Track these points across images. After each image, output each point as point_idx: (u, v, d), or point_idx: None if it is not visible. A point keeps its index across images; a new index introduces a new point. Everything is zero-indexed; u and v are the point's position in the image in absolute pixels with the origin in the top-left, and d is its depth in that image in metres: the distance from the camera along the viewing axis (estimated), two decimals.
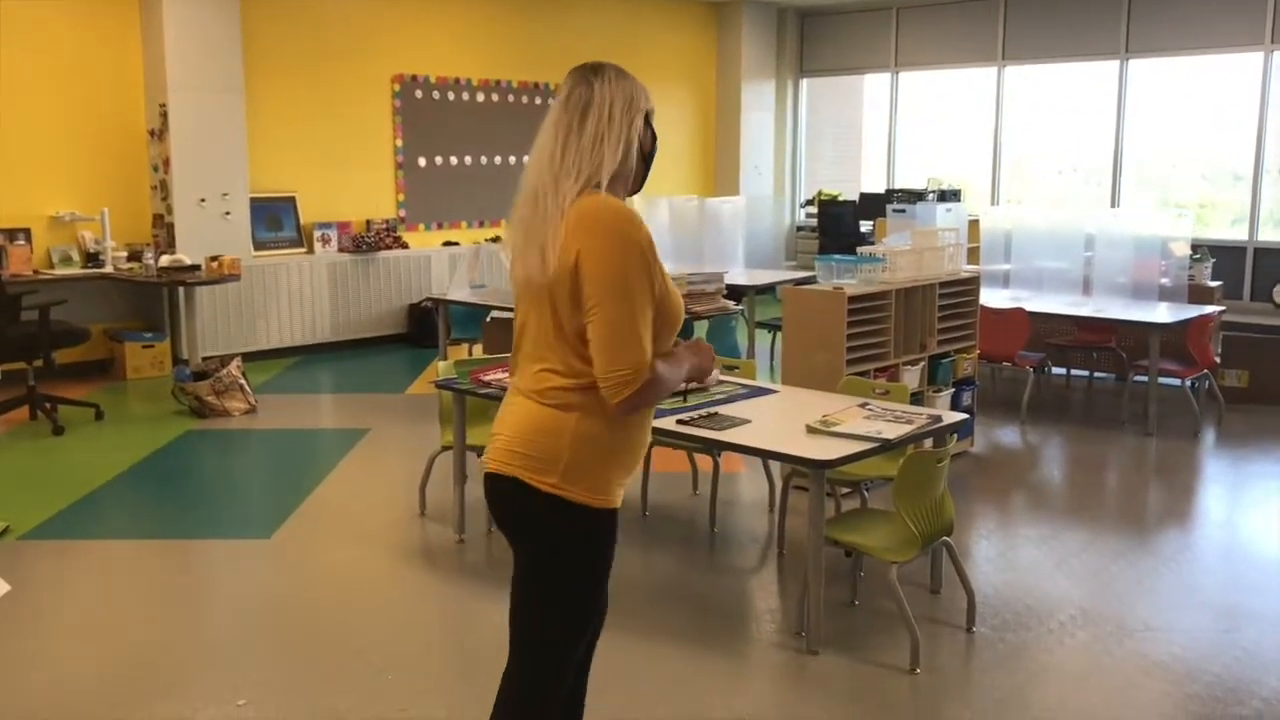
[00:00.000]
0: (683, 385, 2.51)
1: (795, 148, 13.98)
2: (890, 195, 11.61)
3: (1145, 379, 6.85)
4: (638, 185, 2.39)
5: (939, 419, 4.06)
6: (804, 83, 13.88)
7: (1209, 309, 7.12)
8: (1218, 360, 7.29)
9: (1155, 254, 7.62)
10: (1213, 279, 8.34)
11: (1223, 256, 9.58)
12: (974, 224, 9.03)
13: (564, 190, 2.23)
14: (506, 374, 4.52)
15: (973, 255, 8.42)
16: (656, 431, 4.06)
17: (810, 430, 3.89)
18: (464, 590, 4.42)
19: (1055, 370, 8.19)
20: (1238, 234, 10.86)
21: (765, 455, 3.92)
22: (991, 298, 7.44)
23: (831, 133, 14.26)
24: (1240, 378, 7.47)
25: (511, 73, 10.97)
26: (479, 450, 4.94)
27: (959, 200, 10.83)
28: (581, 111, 2.31)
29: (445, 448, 4.96)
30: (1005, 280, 7.92)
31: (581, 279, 2.19)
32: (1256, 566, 4.64)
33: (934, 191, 10.90)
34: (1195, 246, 7.99)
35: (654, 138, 2.42)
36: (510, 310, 7.44)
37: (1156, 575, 4.53)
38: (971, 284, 6.22)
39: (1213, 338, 7.16)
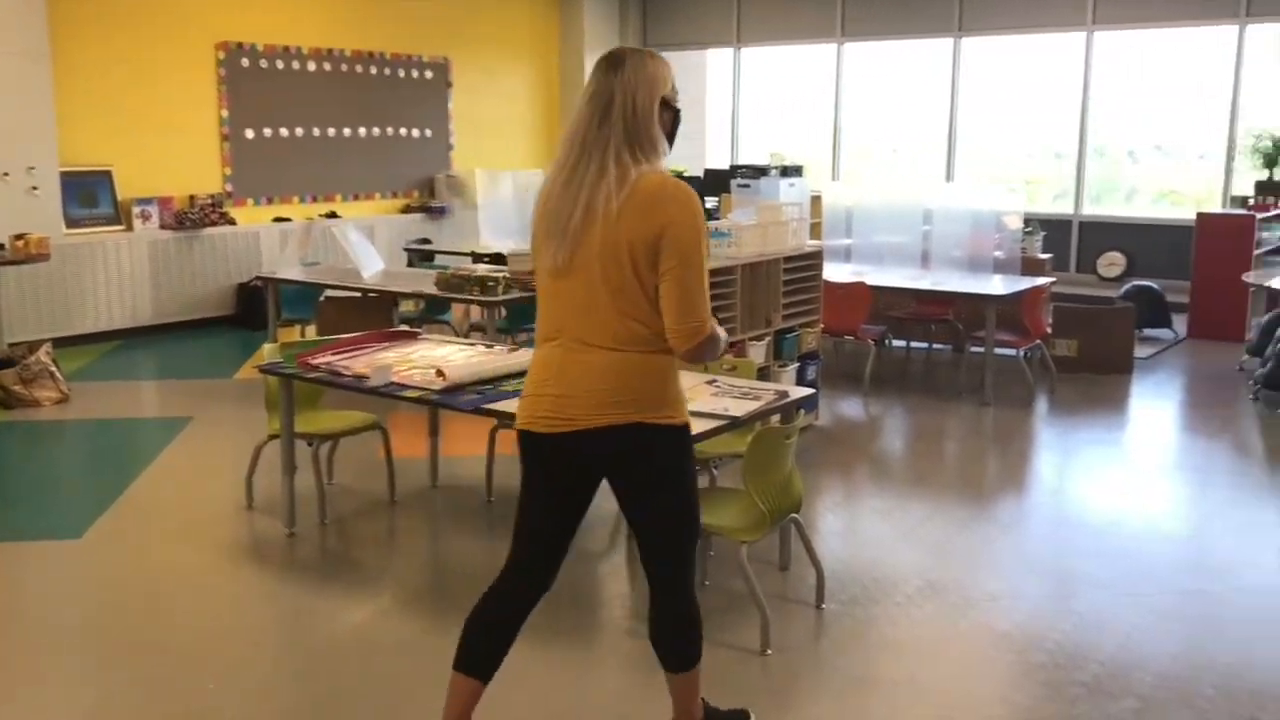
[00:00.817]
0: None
1: None
2: (735, 171, 11.63)
3: (981, 350, 7.01)
4: (670, 150, 2.69)
5: (786, 395, 4.00)
6: None
7: (1041, 280, 7.32)
8: (1049, 330, 7.51)
9: (990, 228, 7.81)
10: (1043, 252, 8.60)
11: (1050, 230, 9.92)
12: (816, 200, 9.11)
13: (611, 175, 2.54)
14: (342, 355, 4.30)
15: (815, 231, 8.48)
16: (497, 415, 3.91)
17: None
18: (296, 588, 4.16)
19: (896, 342, 8.33)
20: (1063, 208, 11.28)
21: None
22: (834, 272, 7.48)
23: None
24: (1070, 347, 7.72)
25: (345, 41, 10.53)
26: (309, 438, 4.69)
27: (801, 176, 10.93)
28: (606, 105, 2.58)
29: (272, 436, 4.67)
30: (847, 255, 7.99)
31: (662, 245, 2.52)
32: (1088, 532, 4.75)
33: (777, 167, 10.96)
34: (1026, 220, 8.22)
35: (675, 116, 2.69)
36: (347, 289, 7.20)
37: (997, 544, 4.60)
38: (815, 259, 6.22)
39: (1044, 309, 7.37)
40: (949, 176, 11.77)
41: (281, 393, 4.48)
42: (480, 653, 2.80)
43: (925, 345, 8.37)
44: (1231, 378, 7.67)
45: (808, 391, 4.20)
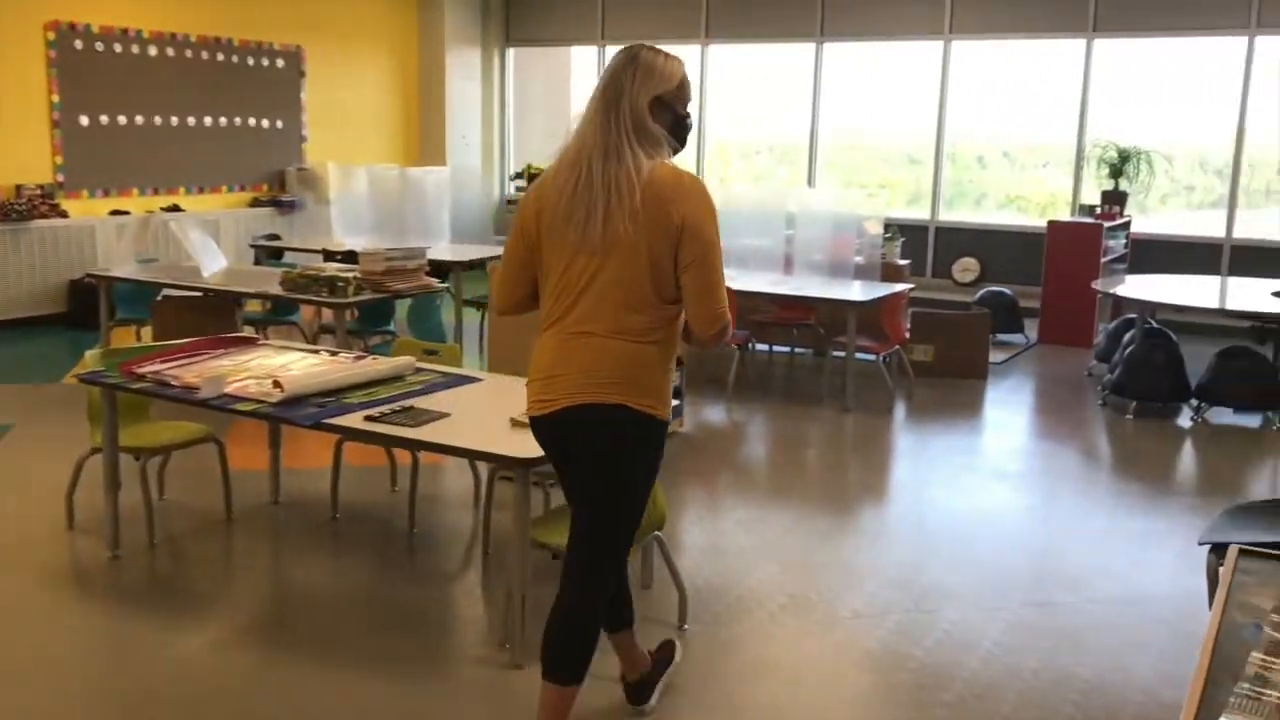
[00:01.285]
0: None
1: (504, 119, 13.62)
2: None
3: (843, 355, 7.01)
4: (679, 151, 2.77)
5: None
6: (511, 52, 13.52)
7: (900, 286, 7.37)
8: (908, 336, 7.57)
9: (851, 232, 7.84)
10: (901, 257, 8.70)
11: (908, 235, 10.07)
12: None
13: (628, 164, 2.61)
14: (172, 363, 3.95)
15: None
16: (339, 430, 3.66)
17: (515, 424, 3.59)
18: (120, 616, 3.82)
19: (759, 346, 8.30)
20: (916, 213, 11.48)
21: (463, 454, 3.57)
22: None
23: (541, 105, 14.00)
24: (927, 352, 7.80)
25: (190, 26, 9.99)
26: (135, 452, 4.34)
27: None
28: (616, 98, 2.66)
29: (95, 450, 4.30)
30: None
31: (684, 238, 2.60)
32: (948, 543, 4.75)
33: None
34: (886, 226, 8.29)
35: (676, 115, 2.73)
36: (186, 289, 6.76)
37: (859, 556, 4.55)
38: None
39: (904, 314, 7.42)
40: (810, 181, 11.86)
41: (104, 404, 4.12)
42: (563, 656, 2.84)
43: (788, 349, 8.36)
44: (1080, 383, 7.87)
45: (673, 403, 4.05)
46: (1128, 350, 7.12)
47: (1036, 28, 10.51)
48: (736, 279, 7.40)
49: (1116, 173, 9.71)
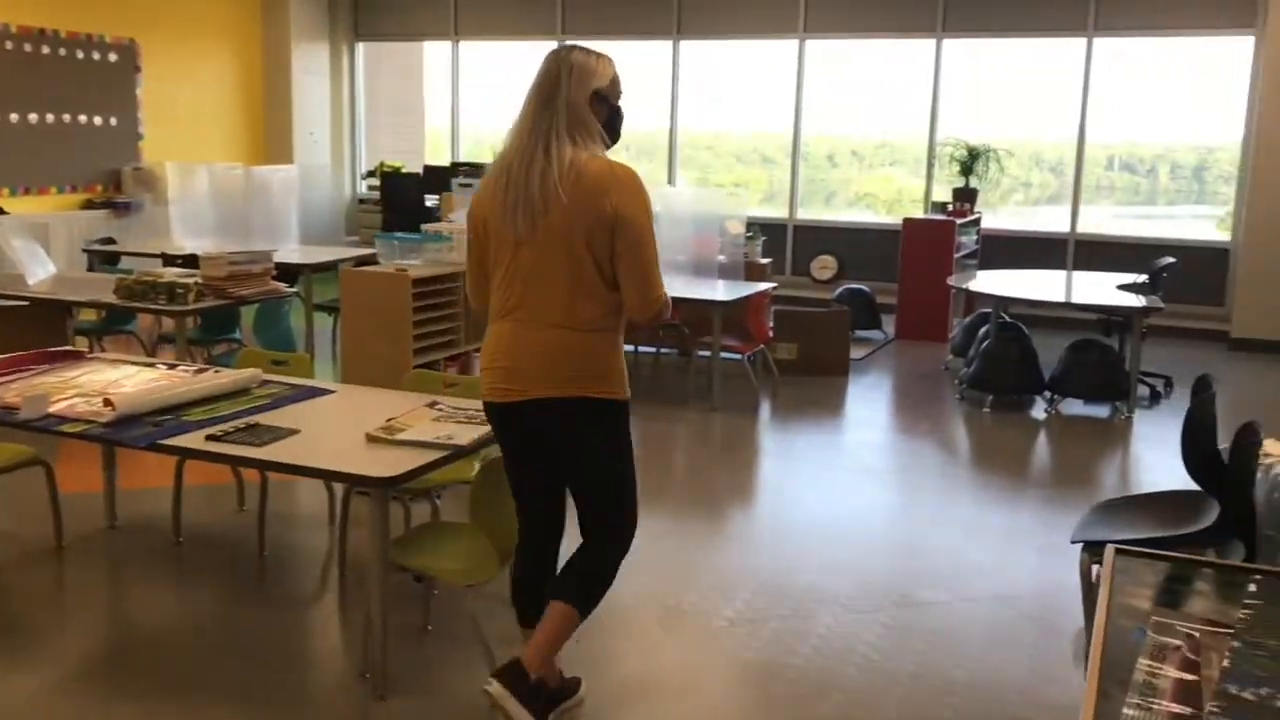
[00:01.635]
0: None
1: (354, 115, 13.19)
2: (455, 168, 11.23)
3: (708, 354, 6.96)
4: (614, 143, 2.91)
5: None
6: (360, 47, 13.10)
7: (762, 285, 7.36)
8: (771, 335, 7.57)
9: (714, 232, 7.79)
10: (763, 256, 8.71)
11: (767, 233, 10.11)
12: None
13: (561, 159, 2.73)
14: (19, 374, 3.58)
15: None
16: (176, 451, 3.38)
17: (371, 439, 3.38)
18: None
19: (625, 347, 8.18)
20: (776, 212, 11.57)
21: (315, 474, 3.34)
22: None
23: (393, 101, 13.62)
24: (790, 350, 7.82)
25: (10, 15, 9.33)
26: None
27: None
28: (550, 94, 2.80)
29: None
30: None
31: (617, 227, 2.72)
32: (819, 544, 4.71)
33: None
34: (747, 225, 8.27)
35: (611, 108, 2.88)
36: (10, 299, 6.27)
37: (733, 562, 4.47)
38: None
39: (767, 313, 7.42)
40: (670, 179, 11.83)
41: None
42: (533, 607, 3.06)
43: (653, 349, 8.27)
44: (938, 377, 8.01)
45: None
46: (983, 345, 7.27)
47: (888, 27, 10.69)
48: None
49: (967, 170, 9.94)
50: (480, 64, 12.68)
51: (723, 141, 12.44)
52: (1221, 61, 9.77)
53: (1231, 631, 2.22)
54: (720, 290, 7.16)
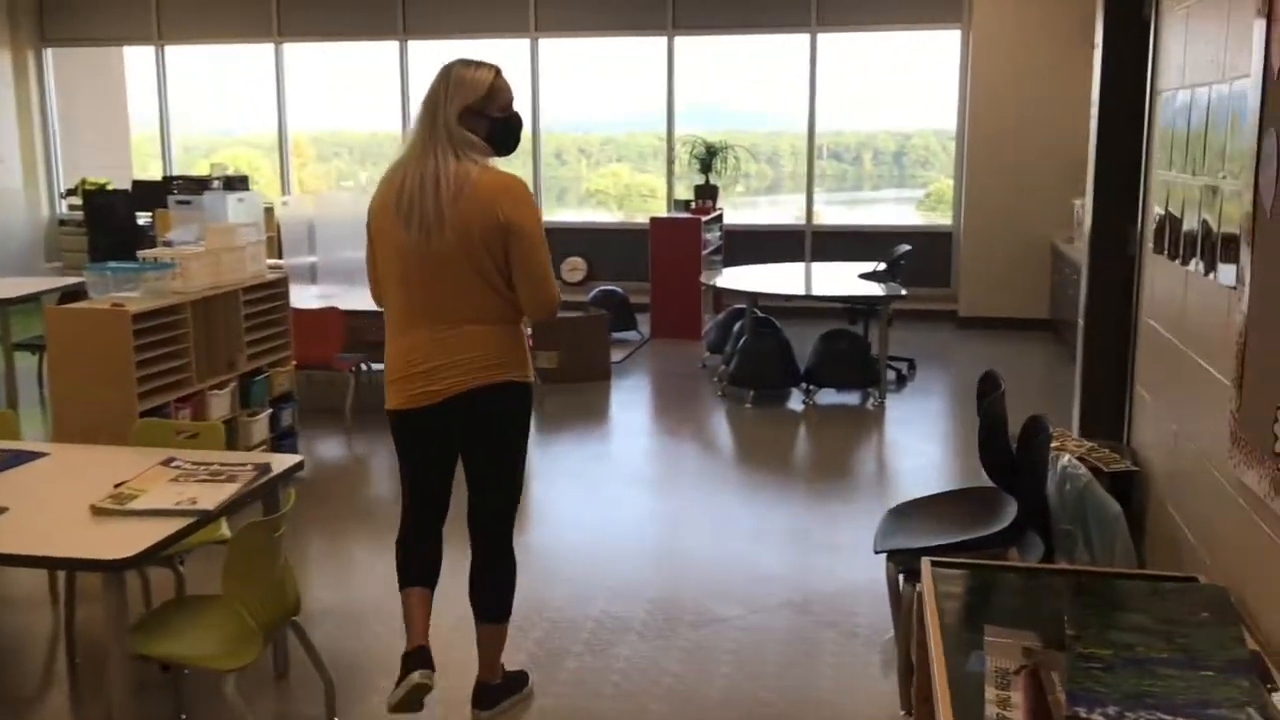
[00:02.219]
0: None
1: (47, 129, 11.94)
2: (170, 184, 10.34)
3: None
4: (509, 153, 3.06)
5: (268, 469, 3.27)
6: (49, 53, 11.88)
7: None
8: (532, 344, 7.31)
9: None
10: None
11: None
12: (267, 212, 8.23)
13: (445, 172, 2.88)
14: None
15: (271, 247, 7.66)
16: None
17: (98, 511, 2.89)
18: None
19: (376, 366, 7.71)
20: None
21: (31, 563, 2.83)
22: (300, 296, 6.74)
23: (93, 112, 12.44)
24: (551, 359, 7.60)
25: None
26: None
27: (248, 188, 9.94)
28: (433, 110, 2.95)
29: None
30: (312, 275, 7.26)
31: (509, 235, 2.90)
32: (607, 566, 4.52)
33: (219, 179, 9.88)
34: None
35: (491, 120, 2.98)
36: None
37: (519, 597, 4.20)
38: (280, 286, 5.45)
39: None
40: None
41: None
42: (415, 565, 3.27)
43: None
44: (697, 375, 8.00)
45: (295, 459, 3.48)
46: (740, 342, 7.29)
47: (619, 25, 10.64)
48: (343, 296, 6.83)
49: (706, 167, 10.02)
50: (189, 68, 11.76)
51: None
52: (917, 53, 10.30)
53: (1063, 645, 2.16)
54: None
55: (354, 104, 11.76)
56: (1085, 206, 4.60)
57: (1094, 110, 4.51)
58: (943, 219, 10.75)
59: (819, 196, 10.88)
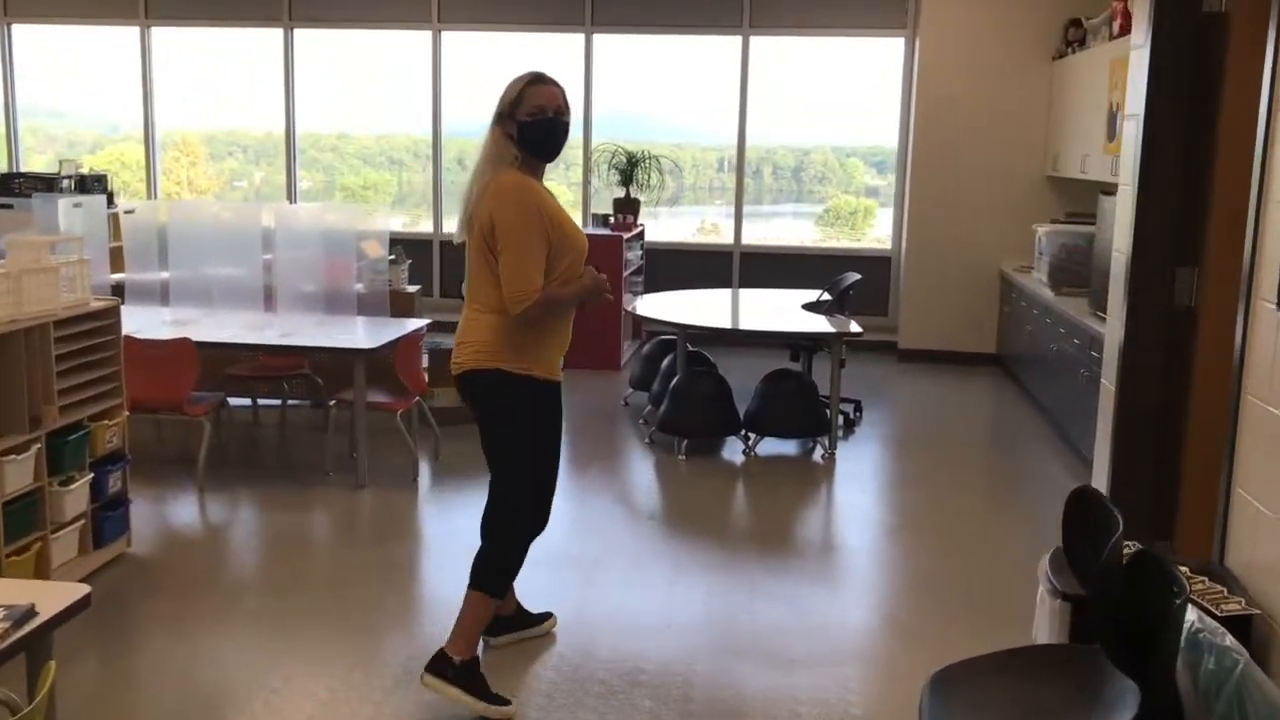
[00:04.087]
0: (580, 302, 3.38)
1: None
2: (12, 181, 8.98)
3: (351, 410, 5.56)
4: (547, 156, 3.38)
5: (31, 613, 2.19)
6: None
7: (414, 324, 6.02)
8: (428, 380, 6.26)
9: (349, 255, 6.38)
10: (410, 283, 7.35)
11: (411, 252, 8.77)
12: (119, 218, 7.01)
13: (486, 173, 3.28)
14: None
15: (118, 260, 6.47)
16: None
17: None
18: None
19: (239, 401, 6.57)
20: (413, 219, 10.25)
21: None
22: (146, 322, 5.60)
23: None
24: (450, 396, 6.53)
25: None
26: None
27: (106, 190, 8.68)
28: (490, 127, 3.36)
29: None
30: (164, 295, 6.09)
31: (494, 232, 3.21)
32: (531, 667, 3.52)
33: (70, 177, 8.59)
34: (391, 244, 6.90)
35: (520, 126, 3.28)
36: None
37: (390, 701, 3.17)
38: (108, 316, 4.32)
39: (421, 356, 6.10)
40: (290, 184, 10.19)
41: None
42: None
43: (278, 402, 6.68)
44: (619, 416, 7.03)
45: (75, 593, 2.39)
46: (672, 381, 6.33)
47: (533, 20, 9.64)
48: (200, 323, 5.72)
49: (627, 179, 9.07)
50: (39, 50, 10.40)
51: (348, 143, 10.95)
52: (852, 63, 9.52)
53: None
54: (361, 333, 5.77)
55: (244, 99, 10.52)
56: (1121, 245, 3.75)
57: (1134, 125, 3.68)
58: (848, 239, 10.08)
59: (719, 210, 10.07)
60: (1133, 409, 3.62)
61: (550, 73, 3.36)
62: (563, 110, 3.32)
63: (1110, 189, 6.40)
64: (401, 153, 10.78)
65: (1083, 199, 8.09)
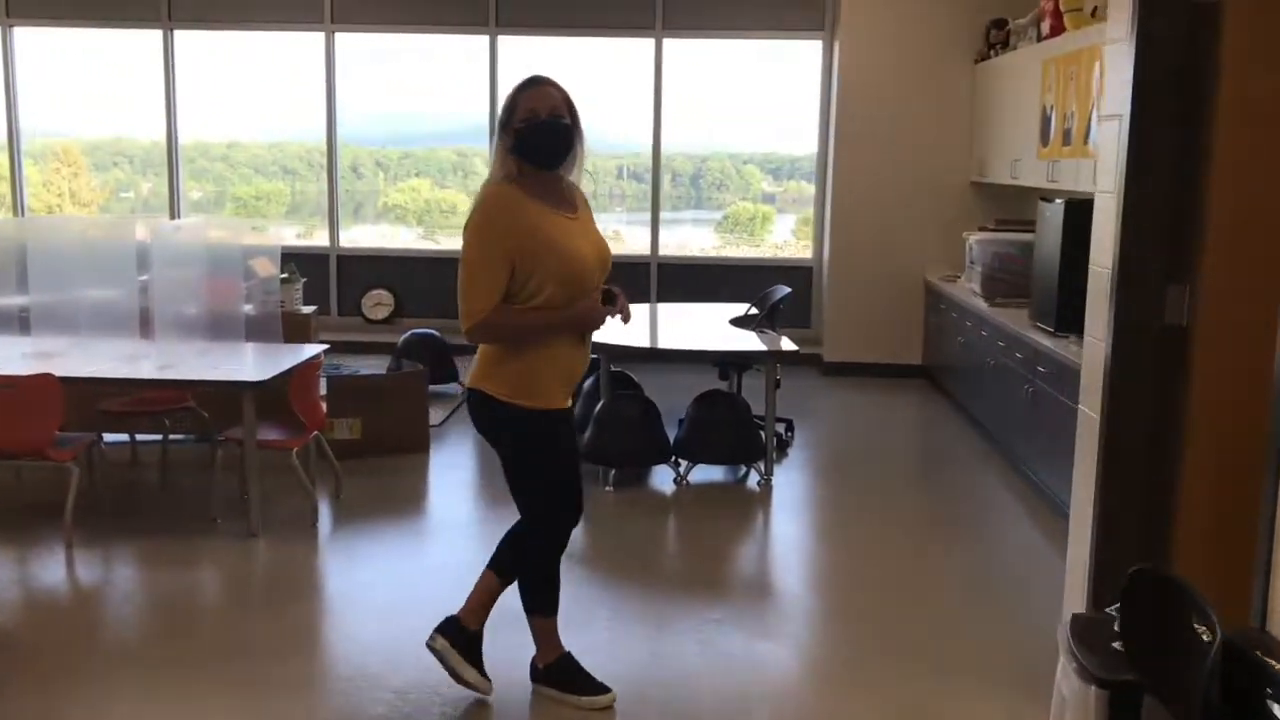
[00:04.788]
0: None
1: None
2: None
3: (241, 449, 4.98)
4: (545, 162, 3.12)
5: None
6: None
7: (311, 350, 5.46)
8: (326, 412, 5.70)
9: (236, 274, 5.78)
10: (305, 303, 6.77)
11: (306, 268, 8.16)
12: None
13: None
14: None
15: None
16: None
17: None
18: None
19: (117, 437, 5.90)
20: (315, 240, 9.61)
21: None
22: (2, 355, 4.95)
23: None
24: (353, 427, 6.00)
25: None
26: None
27: None
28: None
29: None
30: (23, 323, 5.43)
31: None
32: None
33: None
34: (284, 261, 6.31)
35: (515, 134, 3.08)
36: None
37: None
38: None
39: (319, 386, 5.53)
40: (172, 197, 9.48)
41: None
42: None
43: (158, 438, 6.00)
44: None
45: None
46: (597, 407, 5.87)
47: (434, 20, 9.10)
48: (67, 355, 5.08)
49: None
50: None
51: (239, 151, 10.28)
52: (761, 67, 9.20)
53: None
54: (251, 363, 5.19)
55: (125, 105, 9.75)
56: (1100, 260, 3.41)
57: (1115, 127, 3.34)
58: (748, 245, 9.82)
59: (617, 217, 9.69)
60: (1119, 440, 3.28)
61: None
62: (559, 112, 3.09)
63: (1049, 195, 6.15)
64: (295, 161, 10.15)
65: (1013, 205, 7.87)
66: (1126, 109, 3.18)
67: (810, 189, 9.32)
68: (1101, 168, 3.44)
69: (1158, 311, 3.23)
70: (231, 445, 5.10)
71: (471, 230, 3.04)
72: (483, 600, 3.40)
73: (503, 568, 3.43)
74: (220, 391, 5.04)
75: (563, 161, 3.16)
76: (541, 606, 3.41)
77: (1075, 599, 3.54)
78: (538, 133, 3.07)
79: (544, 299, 3.08)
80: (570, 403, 3.31)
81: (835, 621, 4.26)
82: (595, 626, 4.03)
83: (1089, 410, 3.48)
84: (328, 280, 9.34)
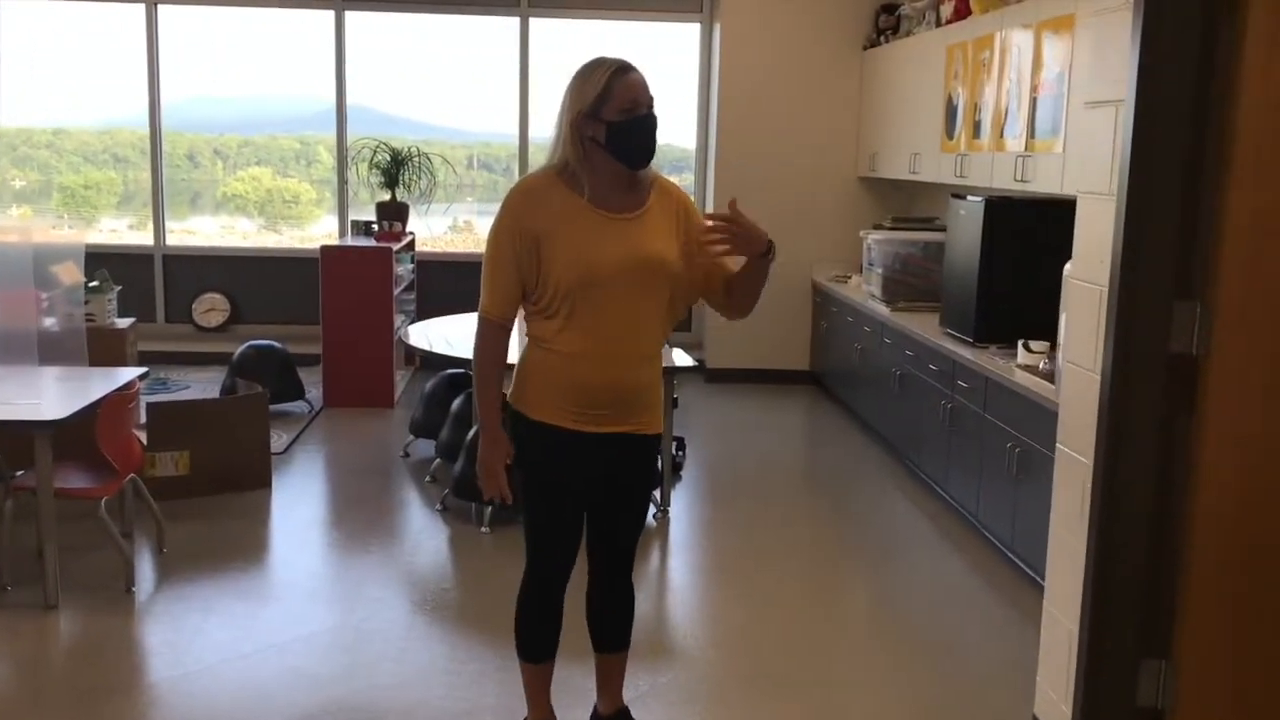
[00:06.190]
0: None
1: None
2: None
3: (36, 497, 4.07)
4: (640, 161, 2.75)
5: None
6: None
7: (126, 374, 4.55)
8: (145, 444, 4.81)
9: (29, 285, 4.84)
10: (121, 315, 5.80)
11: (124, 271, 7.14)
12: None
13: None
14: None
15: None
16: None
17: None
18: None
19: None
20: (137, 238, 8.55)
21: None
22: None
23: None
24: (179, 462, 5.11)
25: None
26: None
27: None
28: (560, 119, 2.76)
29: None
30: None
31: None
32: None
33: None
34: (91, 268, 5.35)
35: (608, 127, 2.66)
36: None
37: None
38: None
39: (134, 419, 4.62)
40: None
41: None
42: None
43: None
44: (397, 472, 5.76)
45: None
46: (470, 433, 5.13)
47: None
48: None
49: (392, 180, 7.76)
50: None
51: (66, 139, 9.15)
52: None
53: None
54: (49, 393, 4.27)
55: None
56: (1088, 274, 2.87)
57: (1107, 114, 2.80)
58: None
59: (469, 206, 8.98)
60: (1117, 492, 2.74)
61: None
62: (653, 104, 2.73)
63: (960, 192, 5.68)
64: (128, 150, 9.05)
65: (909, 202, 7.43)
66: (1131, 94, 2.63)
67: (691, 180, 8.72)
68: (1086, 165, 2.91)
69: (1162, 335, 2.70)
70: (25, 494, 4.17)
71: (493, 224, 2.78)
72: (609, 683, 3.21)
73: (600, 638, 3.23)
74: (7, 431, 4.11)
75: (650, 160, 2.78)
76: (519, 648, 3.09)
77: (1055, 682, 3.01)
78: (639, 130, 2.68)
79: (555, 302, 2.71)
80: (589, 429, 2.76)
81: (753, 692, 3.63)
82: (464, 704, 3.31)
83: (1073, 453, 2.94)
84: (153, 283, 8.29)
